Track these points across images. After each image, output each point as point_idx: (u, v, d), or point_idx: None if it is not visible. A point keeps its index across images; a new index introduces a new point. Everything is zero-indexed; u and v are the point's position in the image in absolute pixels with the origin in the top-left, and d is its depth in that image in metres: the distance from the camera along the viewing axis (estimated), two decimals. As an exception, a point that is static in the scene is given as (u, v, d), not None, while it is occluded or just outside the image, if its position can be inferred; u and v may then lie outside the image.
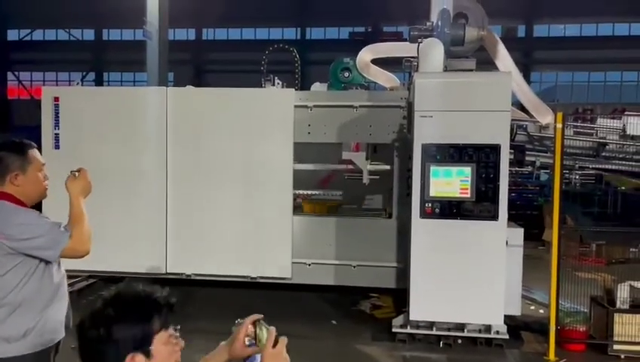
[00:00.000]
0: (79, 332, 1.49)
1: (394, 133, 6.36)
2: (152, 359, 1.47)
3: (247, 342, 1.78)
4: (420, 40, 5.93)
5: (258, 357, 1.75)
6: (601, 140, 6.33)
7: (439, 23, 5.86)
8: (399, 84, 7.79)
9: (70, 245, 2.48)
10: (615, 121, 6.59)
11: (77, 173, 2.68)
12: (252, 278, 6.49)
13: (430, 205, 5.24)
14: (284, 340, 1.66)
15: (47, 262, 2.49)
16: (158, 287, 1.59)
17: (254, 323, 1.80)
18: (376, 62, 7.94)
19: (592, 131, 6.58)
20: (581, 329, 5.28)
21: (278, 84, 7.16)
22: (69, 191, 2.63)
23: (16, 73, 31.85)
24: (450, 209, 5.22)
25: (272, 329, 1.71)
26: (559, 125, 5.05)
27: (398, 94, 6.60)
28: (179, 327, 1.63)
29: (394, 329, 5.51)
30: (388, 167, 6.47)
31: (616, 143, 6.33)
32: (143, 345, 1.45)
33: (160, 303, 1.54)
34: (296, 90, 8.09)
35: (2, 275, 2.38)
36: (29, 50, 30.53)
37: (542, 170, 6.70)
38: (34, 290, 2.43)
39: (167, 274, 6.60)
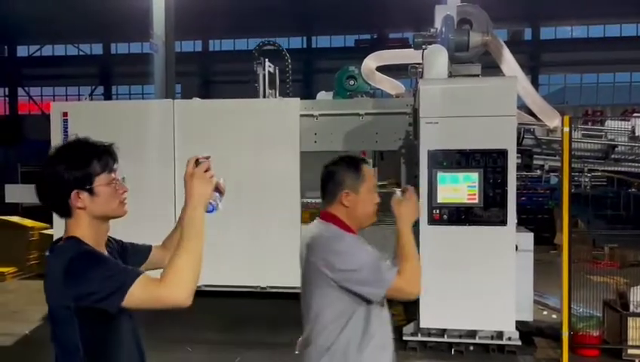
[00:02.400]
0: (37, 177, 1.72)
1: (400, 139, 6.35)
2: (96, 197, 1.69)
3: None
4: (424, 46, 5.93)
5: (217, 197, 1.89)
6: (610, 142, 6.27)
7: (443, 29, 5.85)
8: (405, 90, 7.79)
9: (397, 284, 2.05)
10: (624, 122, 6.52)
11: (403, 193, 2.16)
12: (262, 288, 6.50)
13: (438, 211, 5.22)
14: (207, 162, 1.84)
15: (370, 302, 2.08)
16: (102, 141, 1.77)
17: (196, 161, 1.84)
18: (381, 69, 7.95)
19: (600, 133, 6.51)
20: (595, 334, 5.21)
21: (270, 67, 7.21)
22: (397, 216, 2.15)
23: (27, 88, 32.24)
24: (458, 215, 5.19)
25: (196, 156, 1.83)
26: (566, 128, 5.01)
27: (403, 101, 6.60)
28: (209, 156, 1.86)
29: (405, 337, 5.47)
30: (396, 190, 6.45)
31: (625, 145, 6.26)
32: (85, 183, 1.67)
33: (98, 149, 1.73)
34: (287, 85, 8.12)
35: (321, 311, 2.06)
36: (38, 66, 30.95)
37: (551, 174, 6.64)
38: (350, 336, 2.04)
39: (176, 285, 6.61)
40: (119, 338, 1.73)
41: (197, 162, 1.85)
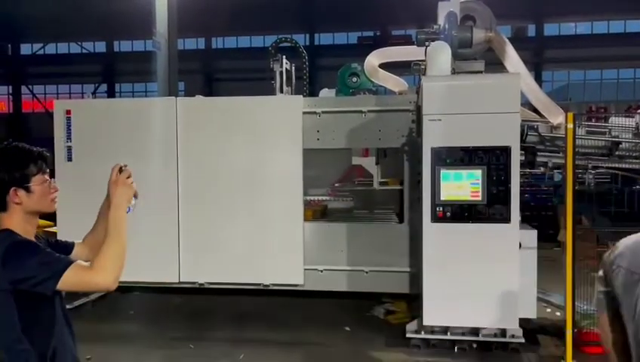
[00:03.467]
0: None
1: (403, 137, 6.33)
2: (32, 194, 1.98)
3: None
4: (427, 43, 5.91)
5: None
6: (614, 139, 6.24)
7: (446, 26, 5.83)
8: (408, 87, 7.76)
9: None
10: (628, 119, 6.49)
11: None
12: (264, 286, 6.50)
13: (441, 209, 5.20)
14: (128, 169, 2.14)
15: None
16: (36, 147, 2.07)
17: (119, 169, 2.13)
18: (385, 66, 7.92)
19: (604, 130, 6.49)
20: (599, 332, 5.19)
21: (287, 63, 7.21)
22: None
23: (30, 87, 32.34)
24: (461, 212, 5.18)
25: (120, 165, 2.12)
26: (570, 125, 4.98)
27: (406, 98, 6.58)
28: (127, 166, 2.14)
29: (408, 335, 5.47)
30: (400, 187, 6.47)
31: (629, 142, 6.23)
32: (23, 182, 1.97)
33: (34, 154, 2.03)
34: (304, 83, 8.13)
35: None
36: (42, 64, 31.04)
37: (555, 171, 6.62)
38: None
39: (180, 283, 6.63)
40: (53, 315, 2.01)
41: (120, 170, 2.11)
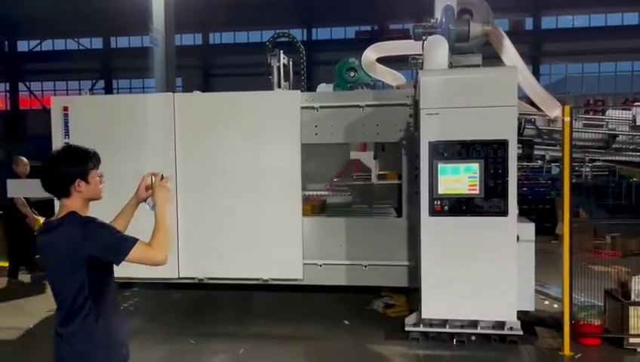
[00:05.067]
0: (46, 170, 2.45)
1: (401, 131, 6.35)
2: (89, 184, 2.48)
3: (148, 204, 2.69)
4: (424, 37, 5.91)
5: (150, 200, 2.69)
6: (611, 132, 6.26)
7: (443, 20, 5.83)
8: (406, 82, 7.77)
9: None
10: (625, 111, 6.50)
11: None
12: (264, 280, 6.52)
13: (439, 203, 5.22)
14: (167, 177, 2.72)
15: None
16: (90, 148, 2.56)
17: (150, 176, 2.71)
18: (383, 60, 7.93)
19: (602, 123, 6.50)
20: (596, 323, 5.23)
21: (284, 58, 7.21)
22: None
23: (28, 83, 32.24)
24: (459, 206, 5.20)
25: (160, 173, 2.71)
26: (567, 118, 5.00)
27: (404, 92, 6.58)
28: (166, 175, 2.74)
29: (407, 328, 5.50)
30: (398, 182, 6.49)
31: (626, 135, 6.25)
32: (83, 175, 2.46)
33: (91, 153, 2.53)
34: (302, 78, 8.13)
35: None
36: (39, 61, 30.92)
37: (553, 164, 6.64)
38: None
39: (180, 278, 6.65)
40: (110, 281, 2.51)
41: (162, 177, 2.70)
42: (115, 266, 2.47)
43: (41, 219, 5.24)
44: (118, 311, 2.60)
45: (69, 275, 2.37)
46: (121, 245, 2.35)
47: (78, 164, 2.46)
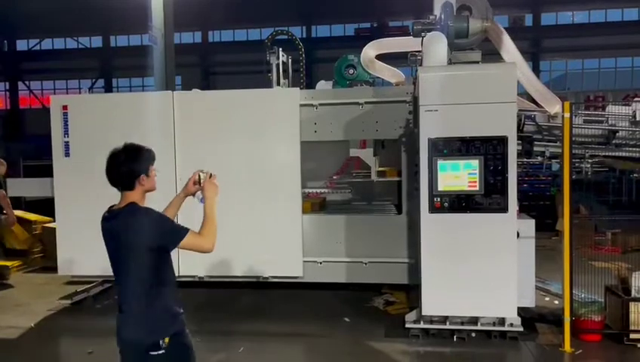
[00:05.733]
0: (114, 166, 2.72)
1: (401, 128, 6.35)
2: (149, 178, 2.78)
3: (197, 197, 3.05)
4: (423, 34, 5.90)
5: (198, 193, 3.04)
6: (610, 127, 6.24)
7: (442, 16, 5.82)
8: (405, 78, 7.76)
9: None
10: (625, 107, 6.48)
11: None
12: (264, 278, 6.52)
13: (439, 199, 5.21)
14: (215, 175, 3.05)
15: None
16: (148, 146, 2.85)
17: (198, 174, 3.04)
18: (382, 57, 7.91)
19: (602, 119, 6.48)
20: (597, 320, 5.22)
21: (283, 55, 7.20)
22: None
23: (27, 83, 32.23)
24: (459, 203, 5.19)
25: (209, 171, 3.03)
26: (567, 114, 4.99)
27: (403, 89, 6.58)
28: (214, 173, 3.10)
29: (407, 325, 5.50)
30: (398, 179, 6.48)
31: (626, 130, 6.23)
32: (146, 171, 2.76)
33: (150, 151, 2.83)
34: (301, 75, 8.11)
35: None
36: (38, 60, 30.91)
37: (553, 160, 6.63)
38: None
39: (180, 277, 6.64)
40: (169, 263, 2.81)
41: (210, 175, 3.03)
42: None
43: None
44: (173, 285, 2.86)
45: (133, 258, 2.68)
46: (176, 233, 2.70)
47: (143, 161, 2.77)
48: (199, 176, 3.02)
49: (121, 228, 2.68)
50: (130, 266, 2.71)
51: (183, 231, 2.71)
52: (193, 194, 3.09)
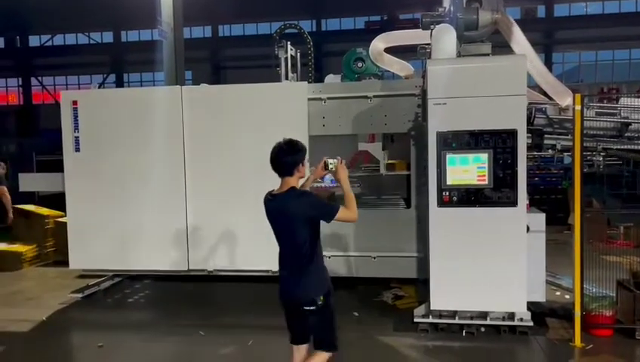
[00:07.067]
0: (279, 156, 3.37)
1: (409, 122, 6.30)
2: (303, 167, 3.42)
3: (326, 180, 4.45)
4: (432, 26, 5.84)
5: (327, 177, 3.99)
6: (623, 120, 6.15)
7: (452, 8, 5.76)
8: (414, 71, 7.70)
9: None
10: (638, 99, 6.37)
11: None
12: (273, 272, 6.52)
13: (448, 193, 5.18)
14: (344, 160, 3.59)
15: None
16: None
17: (325, 161, 3.55)
18: (391, 50, 7.85)
19: (614, 111, 6.39)
20: (608, 314, 5.17)
21: (291, 49, 7.17)
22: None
23: (40, 78, 32.50)
24: (468, 196, 5.15)
25: (339, 158, 3.55)
26: (578, 107, 4.92)
27: (412, 82, 6.53)
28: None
29: (416, 319, 5.49)
30: (407, 173, 6.44)
31: (638, 122, 6.13)
32: (302, 161, 3.39)
33: (304, 146, 3.44)
34: (310, 69, 8.07)
35: None
36: (50, 55, 31.14)
37: (565, 153, 6.55)
38: None
39: (189, 271, 6.69)
40: (319, 234, 3.42)
41: (341, 161, 3.55)
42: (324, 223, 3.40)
43: None
44: (322, 253, 3.51)
45: (298, 231, 3.31)
46: (332, 209, 3.34)
47: (301, 153, 3.38)
48: (326, 162, 3.54)
49: (289, 206, 3.31)
50: (296, 236, 3.33)
51: (336, 207, 3.34)
52: (322, 178, 3.84)
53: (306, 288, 3.36)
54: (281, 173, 3.39)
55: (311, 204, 3.31)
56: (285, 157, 3.36)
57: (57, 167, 7.00)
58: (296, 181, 3.39)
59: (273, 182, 6.41)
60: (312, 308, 3.35)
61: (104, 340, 5.41)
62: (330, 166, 3.53)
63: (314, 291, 3.35)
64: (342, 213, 3.32)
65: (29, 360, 5.12)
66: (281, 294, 3.48)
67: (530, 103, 5.68)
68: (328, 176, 3.69)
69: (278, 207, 3.38)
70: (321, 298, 3.35)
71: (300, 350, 3.60)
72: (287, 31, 8.31)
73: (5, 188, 7.94)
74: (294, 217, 3.30)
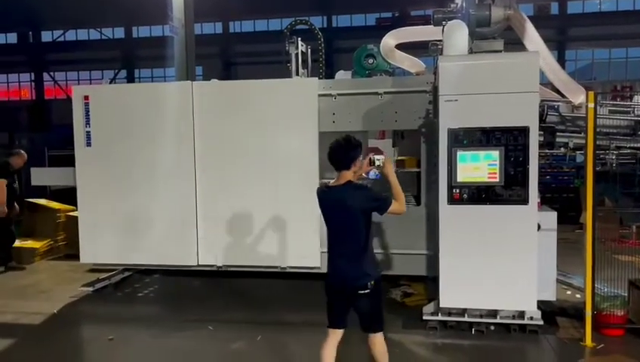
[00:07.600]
0: (337, 152, 3.62)
1: (420, 118, 6.26)
2: (358, 162, 3.66)
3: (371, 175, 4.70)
4: (444, 23, 5.80)
5: (372, 173, 4.42)
6: (636, 118, 6.07)
7: (464, 4, 5.71)
8: (425, 68, 7.65)
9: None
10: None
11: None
12: (281, 268, 6.54)
13: (458, 191, 5.14)
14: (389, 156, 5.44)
15: None
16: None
17: (370, 157, 3.76)
18: (402, 47, 7.80)
19: (628, 109, 6.31)
20: (619, 314, 5.12)
21: (302, 45, 7.16)
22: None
23: (52, 74, 32.73)
24: (478, 194, 5.12)
25: (385, 153, 4.68)
26: (591, 105, 4.87)
27: (423, 79, 6.49)
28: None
29: (425, 317, 5.47)
30: (417, 170, 6.41)
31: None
32: (359, 156, 3.65)
33: (360, 142, 3.68)
34: (321, 65, 8.05)
35: None
36: (62, 51, 31.36)
37: (577, 152, 6.49)
38: None
39: (198, 266, 6.71)
40: (371, 224, 3.63)
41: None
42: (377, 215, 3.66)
43: None
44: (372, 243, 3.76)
45: (355, 221, 3.55)
46: (386, 202, 3.59)
47: (358, 150, 3.63)
48: (372, 158, 3.77)
49: (347, 198, 3.55)
50: (352, 225, 3.57)
51: (389, 201, 3.60)
52: (367, 173, 4.11)
53: (360, 273, 3.58)
54: (338, 168, 3.62)
55: (367, 196, 3.58)
56: (344, 152, 3.60)
57: (69, 161, 7.05)
58: (352, 175, 3.63)
59: (284, 176, 6.45)
60: (366, 291, 3.58)
61: (114, 333, 5.45)
62: (378, 162, 3.76)
63: (368, 276, 3.58)
64: (394, 205, 3.60)
65: (40, 353, 5.17)
66: (335, 280, 3.68)
67: (542, 101, 5.63)
68: (373, 172, 4.10)
69: (335, 199, 3.61)
70: (372, 282, 3.59)
71: (337, 333, 3.80)
72: (297, 27, 8.28)
73: (3, 181, 8.01)
74: (352, 208, 3.53)
